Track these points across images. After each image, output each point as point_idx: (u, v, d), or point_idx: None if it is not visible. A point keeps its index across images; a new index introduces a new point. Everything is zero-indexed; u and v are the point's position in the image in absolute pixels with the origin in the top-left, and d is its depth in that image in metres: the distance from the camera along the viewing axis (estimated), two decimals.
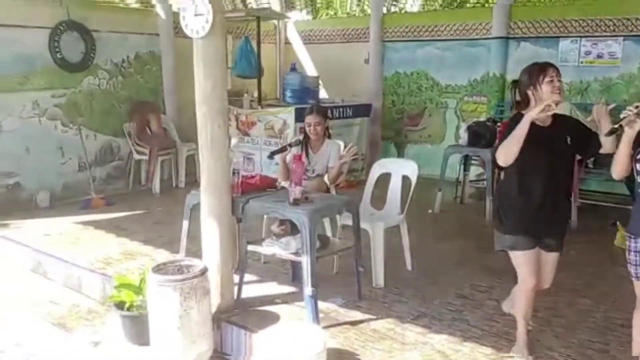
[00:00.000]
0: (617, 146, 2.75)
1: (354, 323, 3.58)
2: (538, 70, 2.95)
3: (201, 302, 3.28)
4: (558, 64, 7.05)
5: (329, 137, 4.56)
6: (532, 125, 2.80)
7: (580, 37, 7.01)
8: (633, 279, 2.79)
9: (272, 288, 4.12)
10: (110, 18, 7.29)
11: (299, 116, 6.31)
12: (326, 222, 4.51)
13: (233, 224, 3.86)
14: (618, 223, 5.15)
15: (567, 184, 3.13)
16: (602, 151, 2.90)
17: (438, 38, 8.16)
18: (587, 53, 6.99)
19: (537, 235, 3.05)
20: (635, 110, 2.54)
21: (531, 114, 2.80)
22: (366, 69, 8.77)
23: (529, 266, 3.05)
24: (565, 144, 2.96)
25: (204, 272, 3.34)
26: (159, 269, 3.39)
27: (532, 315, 3.40)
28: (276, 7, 9.70)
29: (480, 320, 3.63)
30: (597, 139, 2.91)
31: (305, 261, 3.44)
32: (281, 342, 2.97)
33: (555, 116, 2.98)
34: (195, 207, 3.86)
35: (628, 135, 2.62)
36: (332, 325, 3.53)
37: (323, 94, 8.75)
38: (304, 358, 2.87)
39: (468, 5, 11.59)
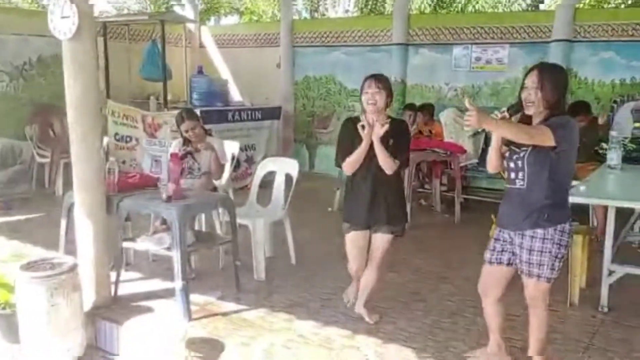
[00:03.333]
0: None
1: (226, 314, 3.75)
2: (363, 82, 3.27)
3: (70, 298, 3.35)
4: (452, 69, 7.65)
5: (209, 134, 4.72)
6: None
7: (472, 44, 7.48)
8: (487, 263, 2.94)
9: (155, 284, 4.22)
10: (10, 19, 7.19)
11: (206, 119, 6.41)
12: (216, 220, 4.69)
13: (112, 222, 3.95)
14: (493, 216, 5.55)
15: (392, 178, 3.41)
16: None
17: (344, 44, 8.47)
18: (478, 59, 7.47)
19: (366, 221, 3.44)
20: (501, 115, 2.64)
21: None
22: (278, 73, 8.99)
23: (353, 250, 3.57)
24: (387, 145, 3.33)
25: (72, 268, 3.41)
26: (29, 266, 3.44)
27: (395, 300, 3.83)
28: (190, 11, 9.77)
29: (345, 308, 3.86)
30: (400, 157, 3.35)
31: (175, 255, 3.58)
32: (143, 332, 3.11)
33: (392, 121, 3.34)
34: (73, 207, 3.92)
35: (496, 136, 2.77)
36: (205, 317, 3.68)
37: (236, 96, 8.90)
38: (164, 346, 3.03)
39: (384, 12, 12.04)
